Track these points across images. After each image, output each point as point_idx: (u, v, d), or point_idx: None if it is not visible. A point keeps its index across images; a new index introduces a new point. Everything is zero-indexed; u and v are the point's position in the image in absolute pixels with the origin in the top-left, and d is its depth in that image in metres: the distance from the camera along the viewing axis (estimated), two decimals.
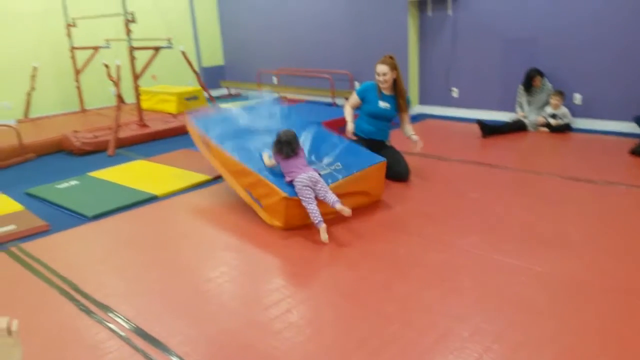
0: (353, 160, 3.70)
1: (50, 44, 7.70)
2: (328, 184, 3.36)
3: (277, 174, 3.48)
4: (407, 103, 4.38)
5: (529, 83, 5.82)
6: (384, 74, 4.18)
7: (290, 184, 3.34)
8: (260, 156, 3.67)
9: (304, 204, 3.24)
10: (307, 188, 3.25)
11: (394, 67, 4.19)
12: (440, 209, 3.64)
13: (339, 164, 3.66)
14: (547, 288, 2.54)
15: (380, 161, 3.74)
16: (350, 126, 4.26)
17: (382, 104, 4.28)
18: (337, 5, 7.76)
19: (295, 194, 3.28)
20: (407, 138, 4.41)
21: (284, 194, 3.27)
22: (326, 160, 3.76)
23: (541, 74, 5.78)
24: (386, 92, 4.29)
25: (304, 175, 3.29)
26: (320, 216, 3.20)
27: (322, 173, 3.44)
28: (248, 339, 2.26)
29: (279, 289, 2.67)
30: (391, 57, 4.22)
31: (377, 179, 3.76)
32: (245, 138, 3.91)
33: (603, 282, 2.56)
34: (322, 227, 3.17)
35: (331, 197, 3.27)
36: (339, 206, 3.22)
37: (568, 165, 4.51)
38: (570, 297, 2.45)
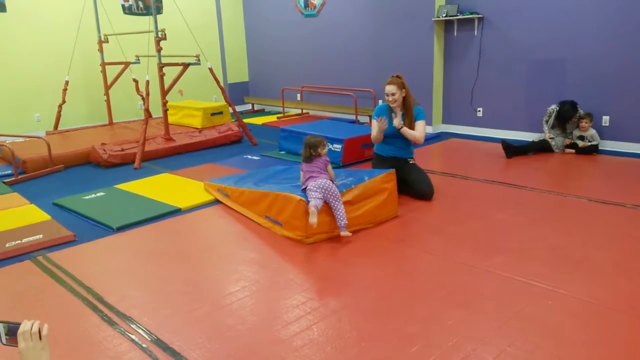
0: (365, 174, 3.86)
1: (81, 59, 7.91)
2: (341, 191, 3.51)
3: (293, 189, 3.62)
4: (417, 115, 4.29)
5: (566, 119, 5.63)
6: (393, 94, 4.19)
7: (305, 192, 3.50)
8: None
9: (308, 198, 3.41)
10: (316, 191, 3.41)
11: (402, 86, 4.20)
12: (465, 229, 3.60)
13: (351, 178, 3.82)
14: (574, 312, 2.47)
15: (389, 171, 3.86)
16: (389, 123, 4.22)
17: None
18: (361, 23, 7.83)
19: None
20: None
21: (300, 197, 3.42)
22: (340, 177, 3.90)
23: (577, 110, 5.62)
24: (398, 111, 4.28)
25: (314, 183, 3.45)
26: (315, 207, 3.34)
27: (336, 183, 3.59)
28: (268, 355, 2.25)
29: (300, 305, 2.66)
30: (398, 76, 4.23)
31: (389, 187, 3.83)
32: (257, 182, 4.13)
33: (632, 307, 2.48)
34: (312, 210, 3.32)
35: (341, 216, 3.42)
36: (343, 233, 3.42)
37: (595, 187, 4.42)
38: (598, 322, 2.39)
